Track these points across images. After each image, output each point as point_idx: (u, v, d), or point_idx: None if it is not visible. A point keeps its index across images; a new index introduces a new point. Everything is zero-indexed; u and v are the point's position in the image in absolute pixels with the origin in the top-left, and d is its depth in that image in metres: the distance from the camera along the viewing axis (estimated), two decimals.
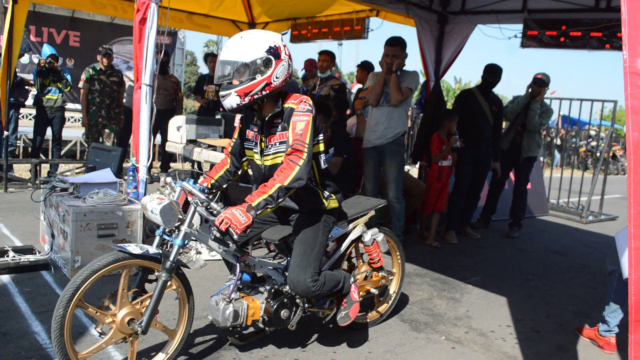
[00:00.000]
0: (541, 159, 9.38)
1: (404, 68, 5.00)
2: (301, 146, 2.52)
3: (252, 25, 8.21)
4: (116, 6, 7.40)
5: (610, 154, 13.51)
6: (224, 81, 2.53)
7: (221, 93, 2.55)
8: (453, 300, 4.08)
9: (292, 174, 2.48)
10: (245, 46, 2.49)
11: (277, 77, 2.53)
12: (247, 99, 2.51)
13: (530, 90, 6.13)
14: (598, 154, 11.47)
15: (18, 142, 9.03)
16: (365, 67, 6.80)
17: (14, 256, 3.99)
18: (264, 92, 2.52)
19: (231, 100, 2.51)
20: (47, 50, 7.32)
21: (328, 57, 6.72)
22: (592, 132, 16.05)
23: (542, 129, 6.70)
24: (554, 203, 8.73)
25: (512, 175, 6.72)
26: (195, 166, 6.70)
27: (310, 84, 6.81)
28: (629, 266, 1.66)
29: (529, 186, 6.79)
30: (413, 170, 8.30)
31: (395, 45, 4.94)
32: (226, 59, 2.51)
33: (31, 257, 4.03)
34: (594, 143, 15.55)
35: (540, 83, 6.09)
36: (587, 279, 5.01)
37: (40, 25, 12.94)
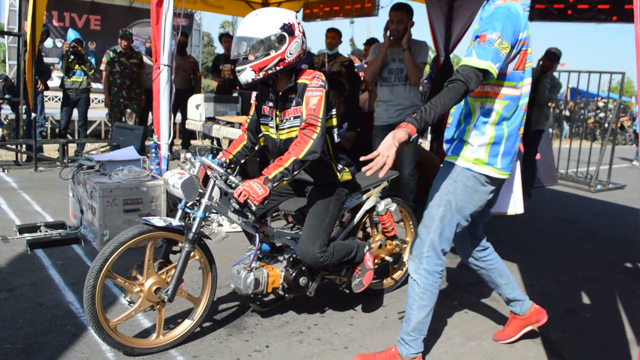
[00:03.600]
0: (550, 130, 9.36)
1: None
2: (315, 120, 2.59)
3: (265, 5, 8.20)
4: None
5: (618, 125, 13.41)
6: (239, 57, 2.61)
7: (237, 68, 2.62)
8: (465, 268, 4.11)
9: (306, 147, 2.55)
10: (260, 23, 2.56)
11: (290, 53, 2.60)
12: (261, 74, 2.59)
13: (541, 63, 6.09)
14: (606, 125, 11.35)
15: (46, 123, 9.29)
16: (372, 44, 6.80)
17: (46, 231, 4.18)
18: (277, 68, 2.59)
19: (246, 75, 2.59)
20: (71, 34, 7.51)
21: (336, 34, 6.73)
22: (601, 104, 15.81)
23: (552, 102, 6.69)
24: (563, 173, 8.75)
25: (521, 146, 6.71)
26: (215, 142, 6.83)
27: (318, 61, 6.84)
28: None
29: (538, 157, 6.81)
30: (425, 143, 8.31)
31: (401, 10, 4.67)
32: (242, 35, 2.59)
33: (62, 232, 4.22)
34: (602, 114, 15.41)
35: (552, 57, 6.05)
36: (595, 246, 5.06)
37: (62, 10, 13.13)
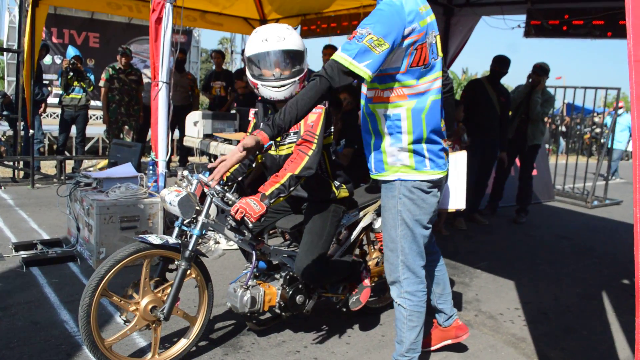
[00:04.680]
0: (547, 146, 9.41)
1: None
2: (311, 137, 2.60)
3: (263, 22, 8.31)
4: (131, 6, 7.56)
5: None
6: (280, 71, 2.59)
7: (278, 83, 2.59)
8: (462, 285, 4.16)
9: (302, 163, 2.55)
10: (296, 36, 2.61)
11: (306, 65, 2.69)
12: (301, 86, 2.63)
13: (530, 80, 6.16)
14: (602, 140, 11.44)
15: (44, 139, 9.30)
16: None
17: (42, 249, 4.16)
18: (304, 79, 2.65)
19: (292, 89, 2.62)
20: (71, 51, 7.59)
21: (334, 51, 6.79)
22: (597, 120, 15.97)
23: (546, 117, 6.74)
24: (559, 189, 8.79)
25: (517, 161, 6.78)
26: (212, 159, 6.84)
27: None
28: (635, 250, 1.66)
29: (534, 173, 6.86)
30: None
31: None
32: (289, 48, 2.57)
33: (58, 250, 4.20)
34: (598, 130, 15.52)
35: (539, 72, 6.11)
36: (592, 262, 5.07)
37: (61, 27, 13.25)
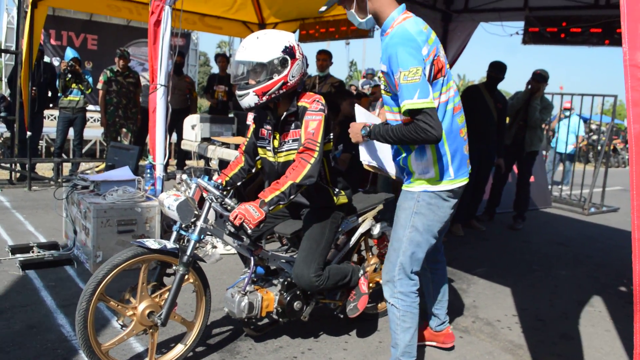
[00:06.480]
0: (544, 152, 9.42)
1: None
2: (313, 145, 2.59)
3: (262, 26, 8.31)
4: (131, 9, 7.55)
5: (611, 148, 13.49)
6: (241, 81, 2.60)
7: (238, 92, 2.61)
8: (460, 291, 4.15)
9: (303, 171, 2.55)
10: (262, 46, 2.55)
11: (292, 76, 2.60)
12: (264, 98, 2.58)
13: (529, 86, 6.18)
14: (599, 148, 11.42)
15: (41, 141, 9.27)
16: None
17: (38, 252, 4.14)
18: (280, 91, 2.59)
19: (249, 99, 2.58)
20: (70, 53, 7.55)
21: (327, 56, 6.80)
22: (593, 127, 16.00)
23: (544, 124, 6.76)
24: (556, 196, 8.79)
25: (515, 168, 6.80)
26: (205, 163, 6.84)
27: (309, 83, 6.89)
28: (633, 257, 1.67)
29: (531, 179, 6.87)
30: None
31: None
32: (243, 59, 2.57)
33: (55, 253, 4.17)
34: (595, 137, 15.55)
35: (538, 79, 6.13)
36: (589, 269, 5.08)
37: (59, 29, 13.23)
